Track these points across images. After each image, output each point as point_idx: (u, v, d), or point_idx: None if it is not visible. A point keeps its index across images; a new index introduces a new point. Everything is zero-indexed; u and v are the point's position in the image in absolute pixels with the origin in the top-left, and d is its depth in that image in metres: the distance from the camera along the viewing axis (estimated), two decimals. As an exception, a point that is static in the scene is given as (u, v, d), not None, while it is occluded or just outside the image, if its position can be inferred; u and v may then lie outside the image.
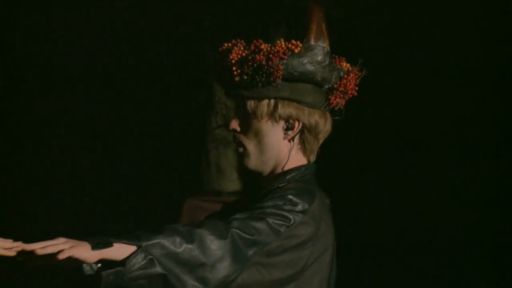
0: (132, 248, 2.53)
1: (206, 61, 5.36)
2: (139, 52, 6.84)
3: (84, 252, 2.49)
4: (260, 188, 2.93)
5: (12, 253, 2.52)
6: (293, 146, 2.89)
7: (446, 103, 7.10)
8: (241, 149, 2.92)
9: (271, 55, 2.79)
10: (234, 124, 2.91)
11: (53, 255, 2.47)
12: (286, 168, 2.89)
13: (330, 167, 3.26)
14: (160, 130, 6.86)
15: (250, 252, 2.65)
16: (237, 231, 2.64)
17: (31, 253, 2.49)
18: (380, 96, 6.48)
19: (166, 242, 2.56)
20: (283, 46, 2.82)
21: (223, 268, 2.61)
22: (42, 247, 2.46)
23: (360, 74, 2.94)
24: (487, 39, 6.83)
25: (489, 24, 6.76)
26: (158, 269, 2.54)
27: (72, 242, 2.49)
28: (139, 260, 2.52)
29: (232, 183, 5.80)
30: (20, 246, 2.51)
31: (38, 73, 7.79)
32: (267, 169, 2.92)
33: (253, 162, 2.92)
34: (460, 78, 7.12)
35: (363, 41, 6.17)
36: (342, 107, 2.94)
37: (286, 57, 2.81)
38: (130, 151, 7.18)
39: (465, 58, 6.92)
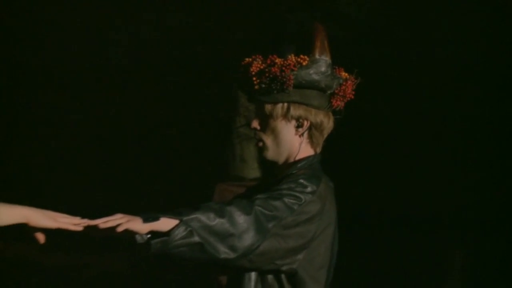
0: (175, 222, 2.55)
1: (232, 73, 5.37)
2: (181, 62, 6.55)
3: (137, 225, 2.51)
4: (277, 174, 2.93)
5: (79, 228, 2.54)
6: (302, 141, 2.90)
7: (449, 89, 6.72)
8: (260, 144, 2.93)
9: (284, 68, 2.81)
10: (255, 124, 2.92)
11: (112, 228, 2.49)
12: (297, 158, 2.90)
13: (335, 156, 3.26)
14: (195, 130, 6.71)
15: (270, 225, 2.67)
16: (259, 208, 2.66)
17: (95, 227, 2.51)
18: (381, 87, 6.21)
19: (202, 216, 2.58)
20: (293, 60, 2.83)
21: (248, 238, 2.63)
22: (104, 222, 2.49)
23: (356, 81, 2.94)
24: (489, 39, 6.48)
25: (491, 24, 6.42)
26: (196, 238, 2.56)
27: (127, 217, 2.51)
28: (181, 231, 2.54)
29: (253, 171, 5.79)
30: (86, 222, 2.53)
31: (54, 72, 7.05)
32: (282, 159, 2.92)
33: (270, 154, 2.92)
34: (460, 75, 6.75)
35: (363, 52, 5.99)
36: (342, 108, 2.94)
37: (296, 69, 2.82)
38: (173, 147, 6.88)
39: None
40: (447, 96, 6.73)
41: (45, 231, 2.55)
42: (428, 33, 6.34)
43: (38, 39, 6.62)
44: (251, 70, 2.86)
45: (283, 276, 2.79)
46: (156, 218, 2.54)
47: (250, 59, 2.88)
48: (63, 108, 7.13)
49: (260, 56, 2.88)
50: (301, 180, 2.79)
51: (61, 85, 7.07)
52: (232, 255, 2.63)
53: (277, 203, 2.70)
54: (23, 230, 2.55)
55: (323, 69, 2.86)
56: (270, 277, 2.79)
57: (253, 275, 2.79)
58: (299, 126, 2.89)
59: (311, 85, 2.86)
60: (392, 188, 6.78)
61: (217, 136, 6.10)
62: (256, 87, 2.86)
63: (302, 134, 2.90)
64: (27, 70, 6.88)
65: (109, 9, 6.42)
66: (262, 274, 2.79)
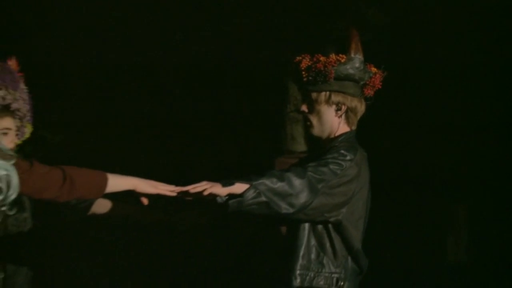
0: (247, 186, 2.60)
1: (286, 69, 5.28)
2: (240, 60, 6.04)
3: (218, 189, 2.57)
4: (322, 147, 2.95)
5: (174, 193, 2.60)
6: (341, 121, 2.91)
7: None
8: (308, 123, 2.95)
9: (326, 64, 2.83)
10: (304, 108, 2.93)
11: (200, 192, 2.55)
12: (337, 134, 2.92)
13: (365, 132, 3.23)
14: (256, 115, 6.53)
15: (319, 186, 2.69)
16: (311, 173, 2.70)
17: (186, 192, 2.57)
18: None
19: (267, 181, 2.62)
20: (334, 58, 2.85)
21: (303, 197, 2.66)
22: (193, 188, 2.55)
23: (383, 74, 2.95)
24: (489, 38, 6.11)
25: (491, 24, 5.87)
26: (263, 198, 2.61)
27: (210, 184, 2.56)
28: (251, 193, 2.59)
29: (301, 146, 5.78)
30: (179, 188, 2.58)
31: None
32: (325, 135, 2.93)
33: (316, 131, 2.93)
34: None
35: (384, 52, 5.68)
36: (371, 95, 2.96)
37: (336, 65, 2.84)
38: (242, 133, 6.64)
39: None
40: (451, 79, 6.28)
41: (148, 195, 2.61)
42: (446, 38, 6.00)
43: (39, 39, 5.89)
44: (301, 66, 2.88)
45: (330, 225, 2.81)
46: (232, 184, 2.58)
47: (300, 57, 2.90)
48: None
49: (308, 55, 2.89)
50: (342, 151, 2.81)
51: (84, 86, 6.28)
52: (291, 210, 2.66)
53: (324, 169, 2.73)
54: (131, 195, 2.61)
55: (357, 65, 2.87)
56: (320, 226, 2.82)
57: (306, 225, 2.81)
58: (338, 109, 2.90)
59: (348, 78, 2.87)
60: (394, 144, 6.38)
61: (273, 120, 6.04)
62: (305, 79, 2.88)
63: (341, 116, 2.91)
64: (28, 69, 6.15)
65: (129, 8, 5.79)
66: (313, 224, 2.81)
